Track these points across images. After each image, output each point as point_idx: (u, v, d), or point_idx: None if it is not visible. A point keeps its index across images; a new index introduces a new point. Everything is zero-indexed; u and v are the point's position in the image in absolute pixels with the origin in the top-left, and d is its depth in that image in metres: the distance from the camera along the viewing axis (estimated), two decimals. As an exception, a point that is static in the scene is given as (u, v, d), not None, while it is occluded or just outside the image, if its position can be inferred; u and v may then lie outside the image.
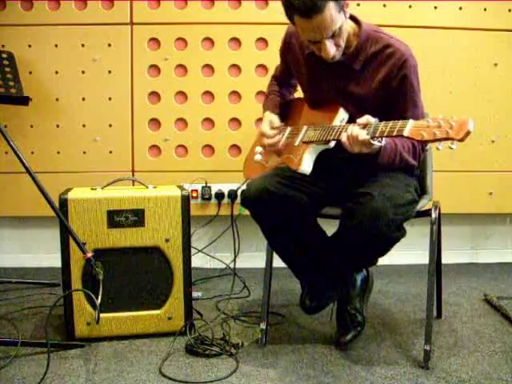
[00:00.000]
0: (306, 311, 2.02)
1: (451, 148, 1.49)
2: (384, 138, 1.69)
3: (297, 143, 1.95)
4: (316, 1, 1.64)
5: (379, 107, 1.77)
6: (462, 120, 1.47)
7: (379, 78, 1.84)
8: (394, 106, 1.82)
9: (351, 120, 1.84)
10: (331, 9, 1.67)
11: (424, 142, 1.65)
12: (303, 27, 1.73)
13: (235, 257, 2.76)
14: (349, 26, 1.83)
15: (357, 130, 1.67)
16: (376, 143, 1.66)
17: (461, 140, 1.46)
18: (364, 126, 1.68)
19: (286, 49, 2.05)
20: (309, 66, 1.97)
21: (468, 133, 1.45)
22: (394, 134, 1.60)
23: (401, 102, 1.83)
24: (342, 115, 1.89)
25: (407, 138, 1.57)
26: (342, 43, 1.79)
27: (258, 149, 2.10)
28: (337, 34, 1.74)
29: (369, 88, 1.86)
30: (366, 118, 1.68)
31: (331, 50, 1.76)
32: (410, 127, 1.56)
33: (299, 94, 2.17)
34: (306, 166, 1.88)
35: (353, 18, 1.87)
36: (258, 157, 2.09)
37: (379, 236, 1.71)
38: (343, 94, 1.91)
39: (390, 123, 1.62)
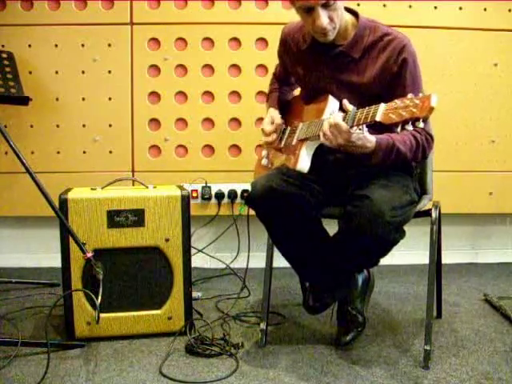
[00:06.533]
0: (310, 311, 2.01)
1: (418, 127, 1.46)
2: (377, 135, 1.70)
3: (294, 142, 1.95)
4: None
5: (381, 95, 1.73)
6: (425, 97, 1.44)
7: (379, 65, 1.84)
8: (396, 92, 1.74)
9: None
10: None
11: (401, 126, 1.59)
12: None
13: (236, 256, 2.76)
14: (347, 17, 1.85)
15: (337, 119, 1.64)
16: (357, 132, 1.63)
17: (425, 118, 1.43)
18: (344, 117, 1.65)
19: (283, 49, 2.06)
20: (306, 62, 1.97)
21: (431, 109, 1.42)
22: (369, 120, 1.56)
23: (402, 88, 1.79)
24: (331, 105, 1.85)
25: (380, 123, 1.52)
26: (336, 20, 1.78)
27: (264, 153, 2.10)
28: (331, 6, 1.73)
29: (370, 76, 1.85)
30: (345, 104, 1.66)
31: (324, 19, 1.74)
32: (381, 111, 1.52)
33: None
34: (303, 164, 1.86)
35: (350, 11, 1.88)
36: (264, 161, 2.10)
37: (378, 239, 1.71)
38: (344, 85, 1.89)
39: (366, 109, 1.59)
